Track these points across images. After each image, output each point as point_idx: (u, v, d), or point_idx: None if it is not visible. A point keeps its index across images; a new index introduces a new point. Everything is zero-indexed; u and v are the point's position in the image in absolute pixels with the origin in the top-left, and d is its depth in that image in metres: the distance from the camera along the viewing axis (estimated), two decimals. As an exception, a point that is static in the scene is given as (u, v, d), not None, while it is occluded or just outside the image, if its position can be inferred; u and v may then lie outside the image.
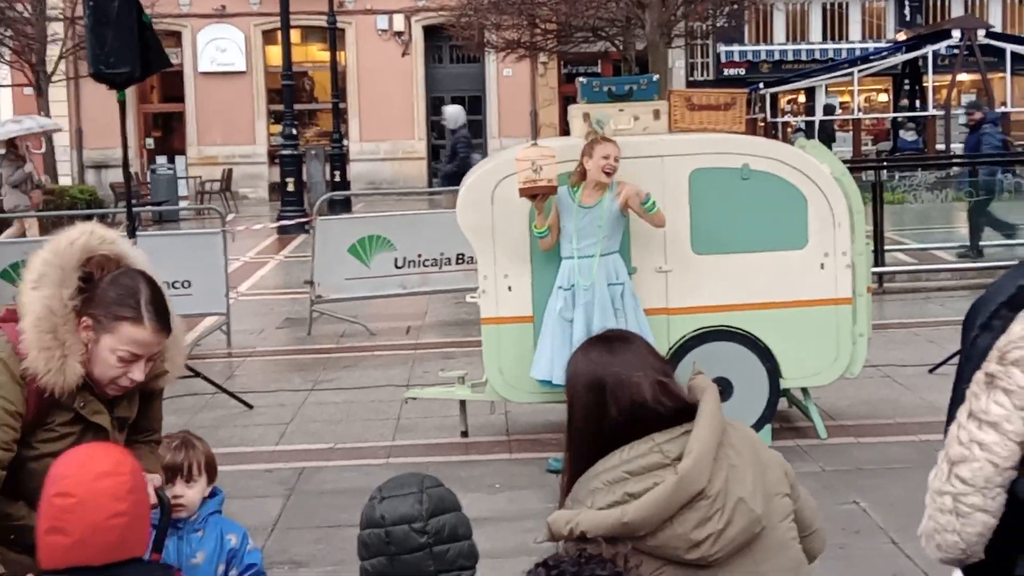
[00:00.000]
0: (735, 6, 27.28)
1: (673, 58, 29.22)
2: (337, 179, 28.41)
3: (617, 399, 2.69)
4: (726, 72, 35.05)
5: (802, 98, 35.26)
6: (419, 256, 12.78)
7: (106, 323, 3.13)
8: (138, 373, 3.18)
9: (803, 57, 35.00)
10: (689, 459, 2.61)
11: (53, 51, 26.82)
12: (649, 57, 22.59)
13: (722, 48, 35.03)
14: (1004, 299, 2.64)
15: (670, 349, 7.67)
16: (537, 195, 7.41)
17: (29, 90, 28.49)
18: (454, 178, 14.82)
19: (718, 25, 29.37)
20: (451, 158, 17.12)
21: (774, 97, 28.60)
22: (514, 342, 7.78)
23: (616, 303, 7.48)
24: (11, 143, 19.19)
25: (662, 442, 2.66)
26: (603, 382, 2.72)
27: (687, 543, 2.61)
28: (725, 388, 7.68)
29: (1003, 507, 2.58)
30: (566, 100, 33.55)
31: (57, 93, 29.90)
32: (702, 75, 35.36)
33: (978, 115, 17.74)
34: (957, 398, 2.68)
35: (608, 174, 7.46)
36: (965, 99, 31.14)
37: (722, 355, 7.74)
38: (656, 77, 8.59)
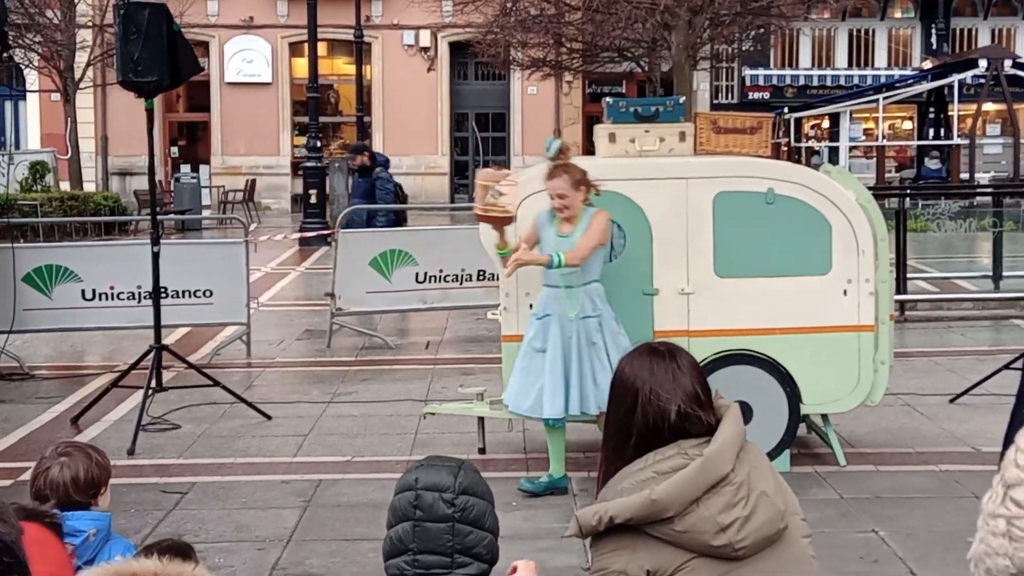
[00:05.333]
0: (761, 30, 27.28)
1: (698, 80, 29.21)
2: (360, 192, 28.43)
3: (645, 411, 2.82)
4: (751, 96, 35.02)
5: (826, 124, 35.22)
6: (440, 271, 12.80)
7: None
8: None
9: (828, 83, 34.96)
10: (715, 444, 2.76)
11: (81, 58, 26.96)
12: (674, 79, 22.59)
13: (747, 71, 35.01)
14: None
15: (690, 372, 7.65)
16: (493, 223, 7.11)
17: (56, 96, 28.64)
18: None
19: (744, 48, 29.38)
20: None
21: (798, 122, 28.57)
22: (534, 360, 7.76)
23: (593, 336, 7.17)
24: None
25: (688, 447, 2.79)
26: (637, 392, 2.84)
27: (714, 526, 2.70)
28: (745, 412, 7.64)
29: None
30: (590, 120, 33.57)
31: (84, 100, 30.07)
32: (726, 98, 35.34)
33: None
34: (1016, 423, 2.68)
35: (561, 211, 7.13)
36: (990, 129, 31.06)
37: (742, 379, 7.71)
38: (683, 99, 8.59)
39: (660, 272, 7.73)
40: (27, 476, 7.88)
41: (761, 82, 35.30)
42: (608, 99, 8.43)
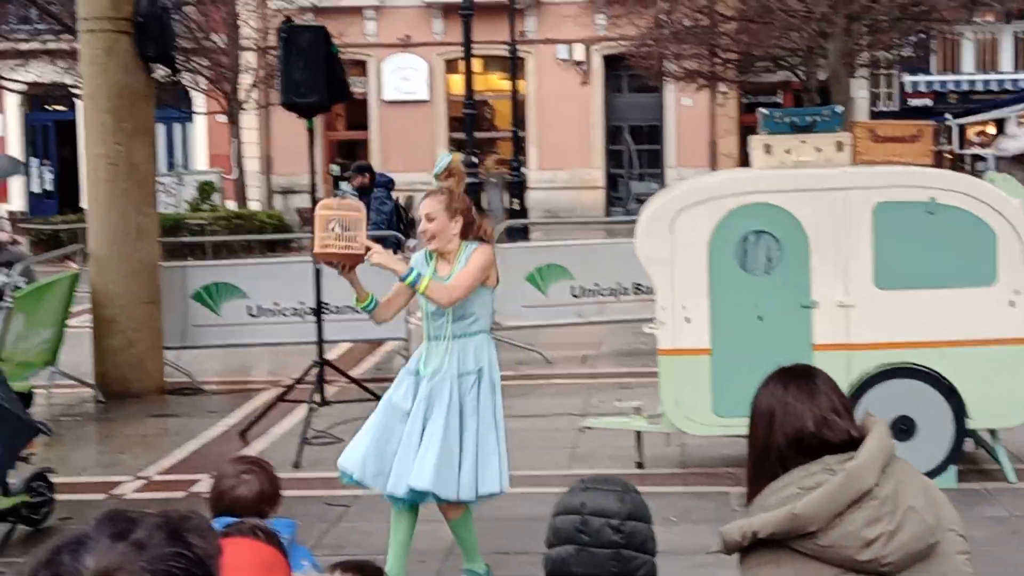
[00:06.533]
0: (922, 35, 26.70)
1: (856, 88, 28.71)
2: (515, 207, 28.68)
3: (783, 428, 2.86)
4: (911, 102, 34.25)
5: (991, 130, 34.26)
6: (596, 285, 12.82)
7: None
8: None
9: (993, 87, 33.99)
10: (858, 459, 2.76)
11: (245, 80, 27.74)
12: (831, 87, 22.27)
13: (907, 78, 34.25)
14: None
15: (851, 386, 7.52)
16: (335, 263, 6.03)
17: (222, 118, 29.51)
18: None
19: (903, 55, 28.77)
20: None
21: (962, 129, 27.84)
22: (691, 374, 7.75)
23: (465, 397, 6.01)
24: None
25: (833, 463, 2.80)
26: (773, 410, 2.90)
27: (859, 541, 2.68)
28: (908, 427, 7.51)
29: None
30: (745, 130, 33.25)
31: (248, 121, 30.93)
32: (886, 105, 34.64)
33: None
34: None
35: (428, 240, 6.00)
36: None
37: (906, 393, 7.57)
38: (840, 108, 8.48)
39: (818, 284, 7.64)
40: (198, 488, 8.17)
41: (922, 88, 34.50)
42: (763, 110, 8.37)
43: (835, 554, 2.69)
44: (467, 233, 6.04)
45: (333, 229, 5.87)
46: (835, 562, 2.69)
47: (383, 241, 12.11)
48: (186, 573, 1.58)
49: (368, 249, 5.96)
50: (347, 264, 5.98)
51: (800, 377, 2.96)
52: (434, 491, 5.98)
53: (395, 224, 14.69)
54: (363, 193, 14.85)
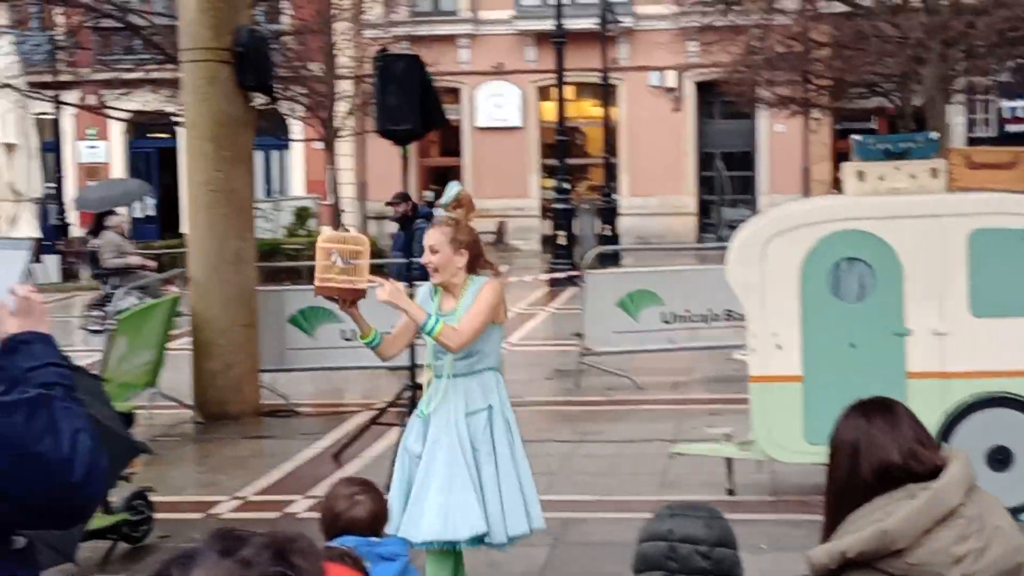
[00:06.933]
0: (1020, 60, 26.28)
1: (952, 114, 28.33)
2: (607, 233, 28.70)
3: (869, 461, 2.88)
4: (1009, 128, 33.69)
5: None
6: (687, 311, 12.82)
7: None
8: None
9: (1095, 112, 33.34)
10: (942, 479, 2.80)
11: (341, 108, 28.11)
12: (927, 113, 22.01)
13: (1005, 103, 33.70)
14: None
15: (947, 415, 7.45)
16: (336, 297, 5.79)
17: (318, 144, 29.92)
18: None
19: (1001, 80, 28.33)
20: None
21: (1062, 154, 27.33)
22: (782, 401, 7.72)
23: (478, 438, 5.75)
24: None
25: (917, 489, 2.82)
26: (856, 442, 2.92)
27: (949, 558, 2.70)
28: (1004, 457, 7.42)
29: None
30: (839, 157, 32.94)
31: (344, 147, 31.33)
32: (983, 131, 34.12)
33: None
34: None
35: (432, 272, 5.75)
36: None
37: (1003, 423, 7.47)
38: (934, 135, 8.43)
39: (912, 312, 7.58)
40: (293, 508, 8.30)
41: (1020, 114, 33.92)
42: (857, 137, 8.34)
43: (925, 572, 2.70)
44: (474, 266, 5.79)
45: (335, 262, 5.64)
46: None
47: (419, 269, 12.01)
48: None
49: (371, 282, 5.75)
50: (347, 298, 5.74)
51: (881, 409, 2.98)
52: (443, 539, 5.67)
53: None
54: (405, 222, 14.78)
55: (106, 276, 17.80)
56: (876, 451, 2.88)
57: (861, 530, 2.76)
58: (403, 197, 15.32)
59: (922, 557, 2.70)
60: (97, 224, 19.20)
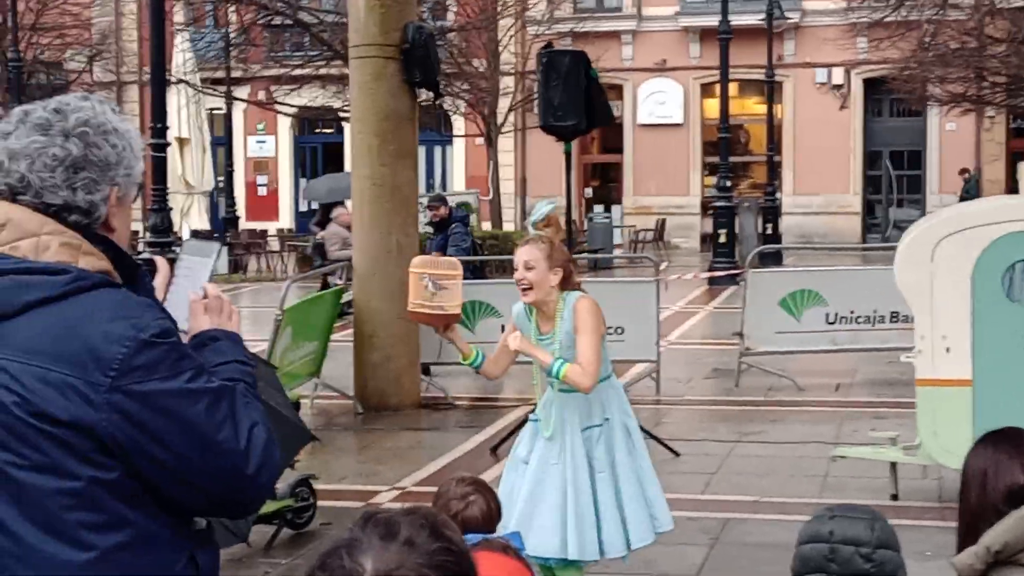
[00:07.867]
0: None
1: None
2: (769, 232, 28.34)
3: (997, 485, 3.12)
4: None
5: None
6: (851, 312, 12.57)
7: None
8: None
9: None
10: None
11: (503, 104, 28.32)
12: (1110, 111, 21.21)
13: None
14: None
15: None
16: (429, 323, 5.73)
17: (480, 140, 30.20)
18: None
19: None
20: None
21: None
22: (950, 405, 7.52)
23: (593, 453, 5.58)
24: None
25: None
26: (985, 471, 3.18)
27: None
28: None
29: None
30: (1014, 156, 31.94)
31: (505, 143, 31.55)
32: None
33: None
34: None
35: (524, 291, 5.55)
36: None
37: None
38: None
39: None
40: (450, 499, 8.37)
41: None
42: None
43: None
44: (565, 285, 5.59)
45: (427, 287, 5.55)
46: None
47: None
48: (456, 567, 1.67)
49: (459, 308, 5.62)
50: (439, 324, 5.66)
51: (1007, 436, 3.22)
52: (559, 556, 5.50)
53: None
54: (441, 226, 14.71)
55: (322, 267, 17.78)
56: (1003, 475, 3.10)
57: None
58: (441, 200, 15.35)
59: None
60: (324, 216, 19.64)
